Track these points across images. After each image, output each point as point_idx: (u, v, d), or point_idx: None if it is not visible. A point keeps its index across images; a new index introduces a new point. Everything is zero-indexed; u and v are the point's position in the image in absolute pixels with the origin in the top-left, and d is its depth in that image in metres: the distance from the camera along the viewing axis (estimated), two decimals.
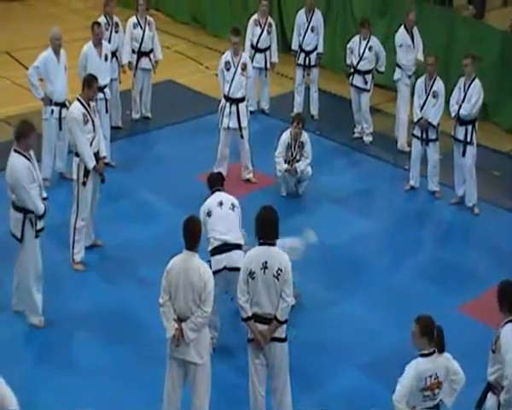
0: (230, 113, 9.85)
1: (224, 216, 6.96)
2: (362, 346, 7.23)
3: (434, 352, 5.19)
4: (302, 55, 11.73)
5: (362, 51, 11.01)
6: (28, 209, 7.02)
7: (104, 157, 8.38)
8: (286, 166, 9.62)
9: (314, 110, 12.01)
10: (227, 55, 10.02)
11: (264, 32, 11.69)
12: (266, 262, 5.76)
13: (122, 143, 10.94)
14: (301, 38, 11.68)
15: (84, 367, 6.81)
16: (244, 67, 9.95)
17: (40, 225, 7.16)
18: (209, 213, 6.99)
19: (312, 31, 11.68)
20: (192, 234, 5.78)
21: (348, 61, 11.25)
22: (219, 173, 7.61)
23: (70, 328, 7.31)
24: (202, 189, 9.90)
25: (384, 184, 10.32)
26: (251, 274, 5.79)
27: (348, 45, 11.26)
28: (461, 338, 6.92)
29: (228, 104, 9.89)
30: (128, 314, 7.54)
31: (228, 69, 9.93)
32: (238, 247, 6.88)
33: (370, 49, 11.01)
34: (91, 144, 8.06)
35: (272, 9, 14.22)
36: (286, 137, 9.69)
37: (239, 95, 9.90)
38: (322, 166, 10.26)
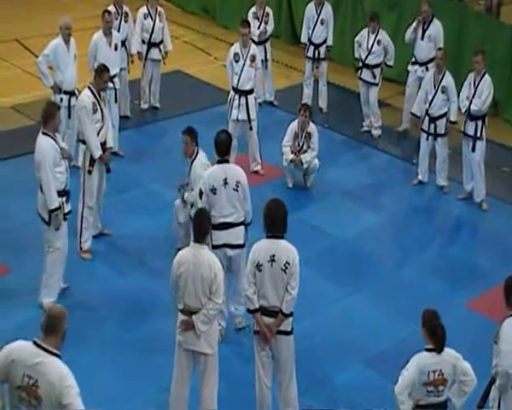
0: (239, 105, 9.84)
1: (228, 197, 6.90)
2: (368, 340, 7.22)
3: (443, 347, 5.15)
4: (311, 47, 11.69)
5: (370, 45, 10.98)
6: (59, 192, 7.10)
7: (111, 148, 8.37)
8: (292, 156, 9.60)
9: (323, 103, 11.98)
10: (236, 47, 10.00)
11: (262, 23, 11.65)
12: (274, 255, 5.75)
13: (130, 133, 10.95)
14: (310, 31, 11.64)
15: (90, 356, 6.82)
16: (253, 59, 9.93)
17: (68, 208, 7.24)
18: (213, 190, 6.91)
19: (322, 23, 11.64)
20: (201, 227, 5.79)
21: (356, 55, 11.22)
22: (228, 135, 7.29)
23: (78, 316, 7.22)
24: None
25: (392, 178, 10.29)
26: (258, 266, 5.78)
27: (356, 39, 11.22)
28: (468, 334, 6.95)
29: (237, 96, 9.87)
30: (135, 304, 7.55)
31: (237, 61, 9.91)
32: (240, 224, 6.93)
33: (379, 42, 10.97)
34: (99, 134, 8.06)
35: (282, 2, 14.21)
36: (293, 126, 9.69)
37: (248, 87, 9.88)
38: (331, 160, 10.25)
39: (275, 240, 5.82)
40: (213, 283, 5.68)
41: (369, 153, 10.95)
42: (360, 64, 11.12)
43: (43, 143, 7.07)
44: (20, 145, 9.95)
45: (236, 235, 6.94)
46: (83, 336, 7.00)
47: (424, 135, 9.84)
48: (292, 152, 9.64)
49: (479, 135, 9.30)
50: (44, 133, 7.11)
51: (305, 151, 9.64)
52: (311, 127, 9.69)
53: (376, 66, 11.05)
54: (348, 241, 8.68)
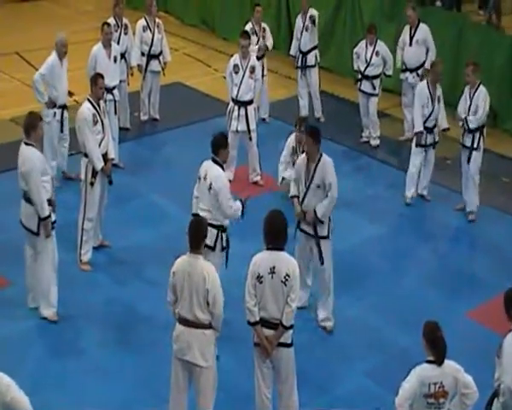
0: (239, 115, 9.86)
1: (204, 192, 7.12)
2: (368, 351, 7.22)
3: (443, 360, 5.11)
4: (300, 56, 11.73)
5: (369, 57, 10.99)
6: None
7: (112, 159, 8.40)
8: (286, 173, 9.38)
9: (318, 113, 11.98)
10: (236, 59, 10.04)
11: (260, 39, 11.65)
12: (274, 267, 5.73)
13: (130, 144, 10.97)
14: (298, 42, 11.71)
15: (90, 367, 6.82)
16: (252, 70, 9.96)
17: (54, 217, 7.21)
18: (199, 178, 7.22)
19: (307, 30, 11.66)
20: (197, 236, 5.78)
21: (355, 67, 11.23)
22: (223, 136, 7.36)
23: (77, 328, 7.32)
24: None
25: (391, 188, 10.30)
26: (259, 278, 5.76)
27: (355, 50, 11.24)
28: (468, 344, 6.93)
29: (236, 107, 9.90)
30: (135, 315, 7.55)
31: (236, 72, 9.95)
32: (210, 225, 6.91)
33: (377, 54, 10.99)
34: (100, 145, 8.08)
35: (281, 13, 14.27)
36: (291, 140, 9.60)
37: (247, 97, 9.91)
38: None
39: (275, 252, 5.81)
40: (209, 294, 5.66)
41: (369, 163, 10.96)
42: (359, 76, 11.14)
43: (29, 153, 7.05)
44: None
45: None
46: (82, 346, 7.03)
47: (419, 149, 9.68)
48: (293, 164, 9.48)
49: (475, 146, 9.29)
50: (28, 144, 7.08)
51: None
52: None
53: (376, 77, 11.08)
54: (347, 251, 8.67)
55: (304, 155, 7.47)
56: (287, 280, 5.72)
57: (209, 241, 6.87)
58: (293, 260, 5.84)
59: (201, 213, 7.04)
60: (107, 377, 6.71)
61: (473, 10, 13.37)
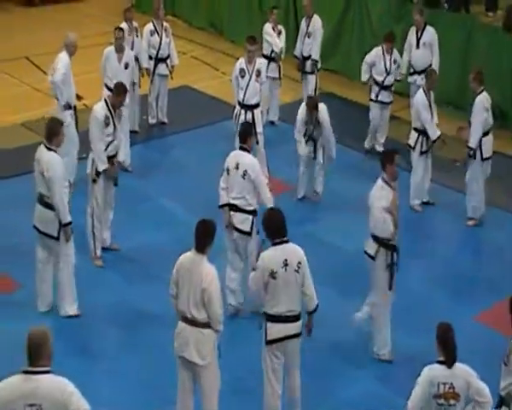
0: (246, 119, 9.87)
1: (237, 181, 7.30)
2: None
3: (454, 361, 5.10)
4: (301, 60, 11.76)
5: (388, 66, 10.81)
6: None
7: (118, 162, 8.42)
8: (307, 149, 9.54)
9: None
10: (241, 63, 10.04)
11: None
12: (286, 260, 5.87)
13: (138, 148, 11.00)
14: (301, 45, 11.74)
15: (98, 367, 6.85)
16: (258, 74, 9.98)
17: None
18: (227, 171, 7.40)
19: (309, 36, 11.66)
20: (203, 237, 5.81)
21: (366, 77, 10.93)
22: (249, 124, 7.80)
23: (84, 327, 7.37)
24: (217, 194, 9.97)
25: (400, 191, 10.26)
26: (272, 274, 5.87)
27: (368, 60, 10.91)
28: (477, 348, 6.89)
29: (243, 111, 9.93)
30: (144, 316, 7.58)
31: (242, 76, 9.96)
32: (244, 211, 7.22)
33: (395, 61, 10.88)
34: (107, 147, 8.12)
35: (289, 15, 14.27)
36: (302, 112, 9.54)
37: (254, 101, 9.94)
38: (338, 173, 10.24)
39: (283, 245, 5.94)
40: (205, 293, 5.66)
41: (377, 166, 10.93)
42: (377, 87, 10.88)
43: (53, 159, 7.14)
44: (30, 162, 9.95)
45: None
46: (89, 346, 7.09)
47: (423, 156, 9.62)
48: (305, 136, 9.52)
49: (471, 153, 9.17)
50: (50, 149, 7.16)
51: (316, 140, 9.56)
52: (322, 113, 9.49)
53: (392, 85, 10.97)
54: (356, 255, 8.65)
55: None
56: (299, 268, 5.91)
57: (246, 227, 7.28)
58: (298, 248, 5.99)
59: (234, 202, 7.33)
60: (115, 377, 6.74)
61: (481, 12, 13.32)
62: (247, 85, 9.91)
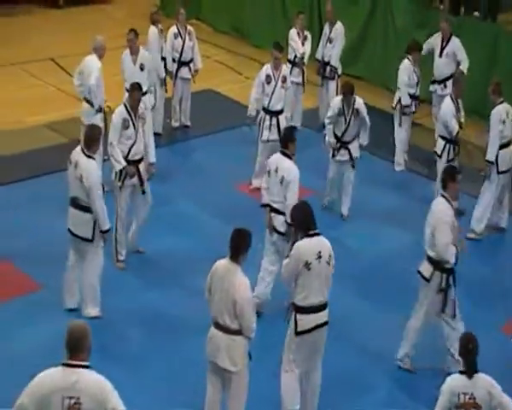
0: (271, 125, 9.86)
1: (275, 184, 7.45)
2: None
3: (473, 372, 5.07)
4: (322, 64, 11.79)
5: (416, 77, 10.71)
6: None
7: (153, 162, 8.42)
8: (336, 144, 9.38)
9: None
10: (267, 69, 9.99)
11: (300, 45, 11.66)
12: (320, 252, 5.98)
13: (161, 151, 10.92)
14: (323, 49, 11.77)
15: (118, 373, 6.77)
16: (284, 80, 9.96)
17: None
18: (269, 173, 7.56)
19: (330, 42, 11.67)
20: (238, 246, 5.76)
21: (405, 101, 10.63)
22: (291, 129, 7.92)
23: (107, 332, 7.31)
24: (240, 199, 9.99)
25: (422, 198, 10.21)
26: (307, 265, 5.93)
27: (406, 80, 10.55)
28: (502, 359, 6.83)
29: (268, 117, 9.91)
30: (167, 321, 7.56)
31: (268, 82, 9.92)
32: (284, 214, 7.29)
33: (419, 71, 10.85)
34: (130, 151, 8.12)
35: (313, 21, 14.26)
36: (337, 104, 9.41)
37: (279, 107, 9.93)
38: (359, 179, 10.19)
39: (316, 237, 6.02)
40: (236, 305, 5.66)
41: (400, 172, 10.90)
42: (411, 101, 10.72)
43: (91, 167, 7.20)
44: (53, 163, 10.08)
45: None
46: (112, 352, 7.03)
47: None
48: (336, 135, 9.37)
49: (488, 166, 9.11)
50: (89, 156, 7.22)
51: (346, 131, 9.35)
52: (359, 103, 9.31)
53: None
54: (380, 260, 8.65)
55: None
56: (330, 260, 6.04)
57: (283, 229, 7.38)
58: (327, 241, 6.09)
59: (274, 205, 7.42)
60: (136, 384, 6.67)
61: (507, 20, 13.21)
62: (273, 91, 9.89)
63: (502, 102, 9.04)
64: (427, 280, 6.84)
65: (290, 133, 7.64)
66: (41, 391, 4.42)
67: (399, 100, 10.76)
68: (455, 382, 5.07)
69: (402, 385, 6.88)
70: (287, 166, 7.39)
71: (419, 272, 6.92)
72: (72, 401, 4.40)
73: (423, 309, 6.89)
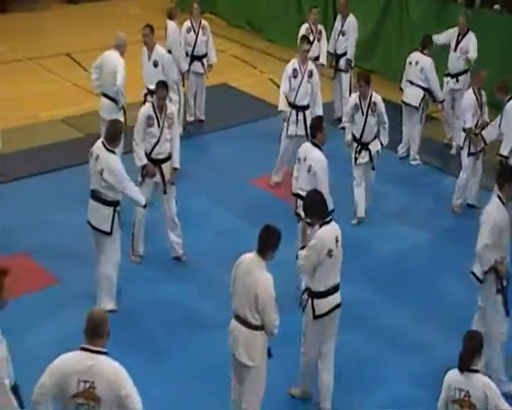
0: (297, 120, 9.80)
1: (303, 172, 7.62)
2: (413, 355, 7.19)
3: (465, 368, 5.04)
4: (334, 57, 11.77)
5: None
6: (117, 202, 7.36)
7: (177, 168, 8.29)
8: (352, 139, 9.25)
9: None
10: (294, 63, 9.89)
11: (315, 41, 11.58)
12: (337, 237, 6.18)
13: None
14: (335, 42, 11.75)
15: (139, 366, 6.82)
16: (310, 75, 9.87)
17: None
18: (299, 160, 7.75)
19: (343, 35, 11.65)
20: (266, 242, 5.72)
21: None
22: (319, 119, 7.94)
23: (127, 324, 7.30)
24: (255, 194, 10.00)
25: (437, 193, 10.19)
26: (329, 253, 6.09)
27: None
28: None
29: (294, 112, 9.81)
30: (186, 312, 7.61)
31: (295, 77, 9.81)
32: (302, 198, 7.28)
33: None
34: (153, 149, 8.13)
35: (328, 15, 14.24)
36: (354, 97, 9.35)
37: (305, 102, 9.85)
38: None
39: (332, 223, 6.19)
40: (259, 301, 5.67)
41: (412, 167, 10.89)
42: (426, 93, 10.70)
43: (113, 159, 7.26)
44: (70, 157, 10.18)
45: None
46: (132, 344, 7.03)
47: (471, 158, 9.50)
48: (357, 143, 9.21)
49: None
50: (110, 150, 7.28)
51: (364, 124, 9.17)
52: (376, 97, 9.17)
53: None
54: (393, 257, 8.64)
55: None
56: (340, 242, 6.22)
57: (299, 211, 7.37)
58: (336, 224, 6.25)
59: (301, 193, 7.46)
60: (157, 378, 6.72)
61: None
62: (299, 86, 9.78)
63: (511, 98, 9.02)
64: (480, 281, 6.64)
65: (319, 123, 7.71)
66: (61, 372, 4.54)
67: (423, 97, 10.68)
68: (452, 376, 5.08)
69: (415, 380, 6.88)
70: (314, 156, 7.52)
71: (472, 273, 6.69)
72: (87, 385, 4.50)
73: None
